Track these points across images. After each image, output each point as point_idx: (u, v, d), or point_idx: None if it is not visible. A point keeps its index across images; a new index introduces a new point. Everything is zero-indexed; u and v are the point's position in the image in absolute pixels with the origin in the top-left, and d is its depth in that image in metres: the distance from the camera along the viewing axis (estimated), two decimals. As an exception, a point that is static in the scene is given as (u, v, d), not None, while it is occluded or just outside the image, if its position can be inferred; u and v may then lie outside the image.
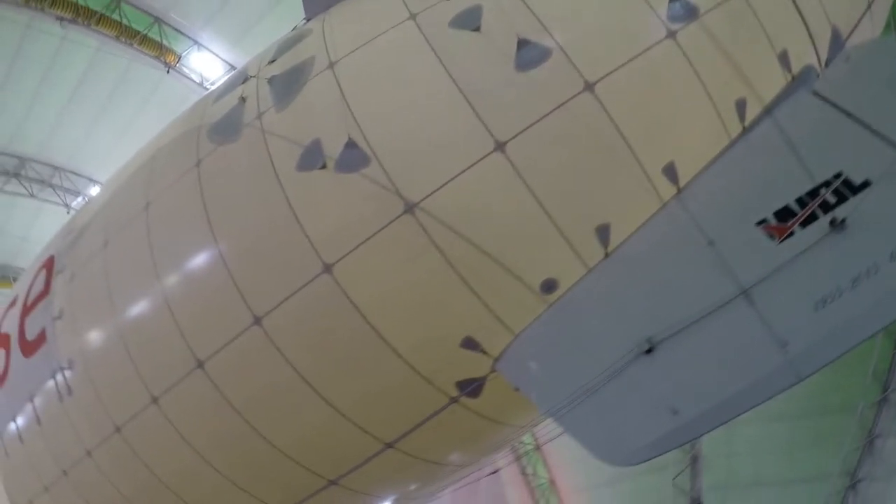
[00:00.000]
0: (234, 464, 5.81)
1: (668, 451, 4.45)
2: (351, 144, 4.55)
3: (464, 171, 4.39)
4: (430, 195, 4.40)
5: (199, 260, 5.30)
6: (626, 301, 4.69)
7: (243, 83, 5.69)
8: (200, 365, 5.21)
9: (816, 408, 14.61)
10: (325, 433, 5.28)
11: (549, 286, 4.58)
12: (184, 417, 5.69)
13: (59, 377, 6.71)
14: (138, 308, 5.82)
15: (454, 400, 4.95)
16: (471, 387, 4.86)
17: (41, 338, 7.09)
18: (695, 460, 16.83)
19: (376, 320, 4.64)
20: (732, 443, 15.57)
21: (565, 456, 19.34)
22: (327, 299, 4.67)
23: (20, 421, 7.81)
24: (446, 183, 4.40)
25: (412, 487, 6.32)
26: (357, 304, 4.62)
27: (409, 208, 4.42)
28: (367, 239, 4.51)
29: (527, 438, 16.07)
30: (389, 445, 5.24)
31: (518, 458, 19.53)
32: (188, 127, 6.14)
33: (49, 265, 7.48)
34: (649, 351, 4.38)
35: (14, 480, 9.11)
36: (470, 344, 4.67)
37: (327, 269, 4.59)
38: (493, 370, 4.74)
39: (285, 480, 5.76)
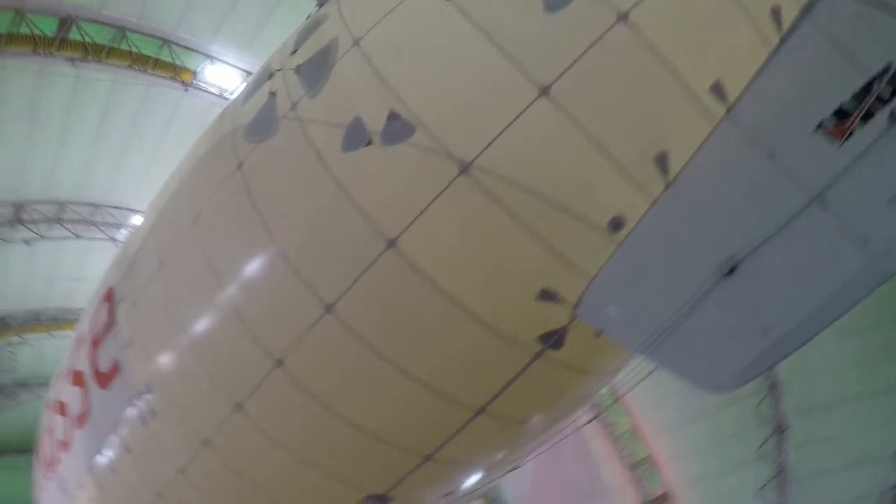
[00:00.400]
0: (328, 457, 5.82)
1: (766, 370, 4.34)
2: (393, 116, 4.47)
3: (512, 122, 4.28)
4: (482, 152, 4.31)
5: (259, 260, 5.28)
6: (697, 226, 4.58)
7: (269, 79, 5.64)
8: (279, 364, 5.20)
9: (887, 318, 14.30)
10: (414, 409, 5.24)
11: (616, 224, 4.47)
12: (270, 419, 5.71)
13: (139, 403, 6.79)
14: (206, 320, 5.84)
15: (538, 355, 4.86)
16: (553, 339, 4.77)
17: (115, 368, 7.19)
18: (773, 387, 16.57)
19: (449, 287, 4.57)
20: (809, 365, 15.27)
21: (644, 401, 19.22)
22: (396, 274, 4.61)
23: (109, 452, 7.95)
24: (496, 137, 4.29)
25: (505, 452, 6.28)
26: (427, 274, 4.55)
27: (464, 168, 4.33)
28: (427, 207, 4.43)
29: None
30: (480, 412, 5.18)
31: (597, 411, 19.44)
32: (221, 134, 6.12)
33: (109, 297, 7.57)
34: (730, 272, 4.26)
35: None
36: (546, 295, 4.58)
37: (391, 244, 4.53)
38: (573, 318, 4.64)
39: (381, 464, 5.77)
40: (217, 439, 6.10)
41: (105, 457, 8.13)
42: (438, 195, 4.40)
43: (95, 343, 7.80)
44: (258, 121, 5.42)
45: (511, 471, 7.19)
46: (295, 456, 5.84)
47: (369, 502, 6.12)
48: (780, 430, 16.82)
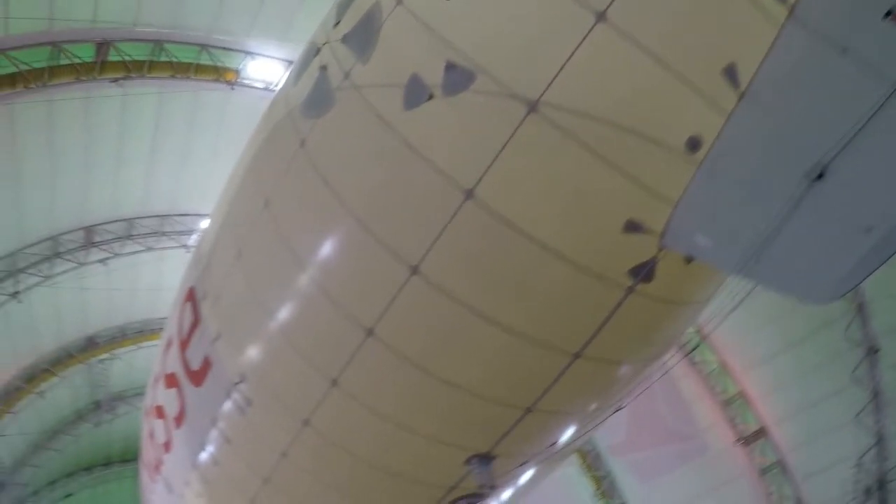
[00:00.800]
0: (429, 420, 5.86)
1: (874, 271, 4.15)
2: (450, 66, 4.39)
3: (573, 53, 4.15)
4: (547, 88, 4.19)
5: (337, 233, 5.29)
6: (777, 134, 4.35)
7: (317, 55, 5.63)
8: (370, 333, 5.23)
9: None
10: (511, 361, 5.20)
11: (693, 144, 4.31)
12: (367, 390, 5.76)
13: (234, 393, 6.94)
14: (291, 301, 5.91)
15: (630, 290, 4.74)
16: (643, 272, 4.65)
17: (206, 364, 7.37)
18: (861, 308, 16.00)
19: (533, 230, 4.49)
20: (893, 282, 14.68)
21: (731, 336, 18.88)
22: (478, 225, 4.55)
23: (210, 446, 8.19)
24: (560, 70, 4.17)
25: (602, 397, 6.18)
26: (509, 219, 4.47)
27: (532, 107, 4.23)
28: (500, 151, 4.34)
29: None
30: (577, 356, 5.10)
31: (685, 350, 19.12)
32: (276, 119, 6.15)
33: (191, 296, 7.75)
34: (819, 177, 4.07)
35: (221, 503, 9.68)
36: (632, 226, 4.46)
37: (469, 195, 4.47)
38: (661, 248, 4.53)
39: (482, 421, 5.77)
40: (316, 418, 6.20)
41: (207, 451, 8.38)
42: (510, 138, 4.31)
43: (184, 343, 8.01)
44: (314, 96, 5.41)
45: (607, 419, 7.13)
46: (396, 423, 5.88)
47: (474, 461, 6.14)
48: (871, 351, 16.21)
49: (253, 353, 6.54)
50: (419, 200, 4.73)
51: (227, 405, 7.20)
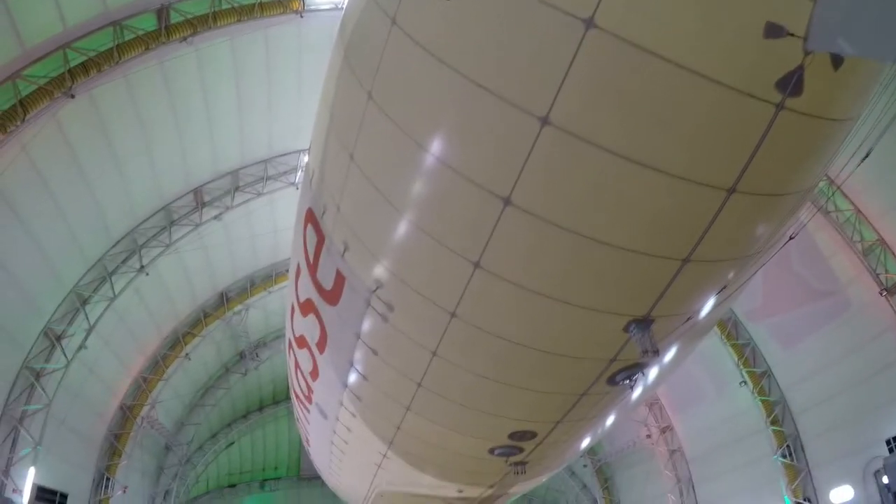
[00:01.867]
0: (583, 287, 5.52)
1: None
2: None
3: None
4: None
5: (456, 98, 4.82)
6: None
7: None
8: (508, 201, 4.90)
9: None
10: (664, 205, 4.73)
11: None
12: (513, 265, 5.46)
13: (374, 302, 6.84)
14: (417, 186, 5.59)
15: (780, 106, 4.13)
16: (791, 83, 4.02)
17: (339, 279, 7.31)
18: None
19: (667, 52, 3.95)
20: None
21: (864, 182, 17.59)
22: (607, 55, 4.07)
23: (358, 364, 8.23)
24: None
25: (759, 239, 5.61)
26: (641, 45, 3.96)
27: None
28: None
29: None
30: (731, 191, 4.58)
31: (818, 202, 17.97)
32: (356, 18, 5.85)
33: (310, 217, 7.65)
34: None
35: (376, 419, 9.79)
36: (773, 30, 3.84)
37: (589, 24, 3.98)
38: (807, 51, 3.90)
39: (639, 279, 5.37)
40: (463, 307, 5.99)
41: (354, 369, 8.44)
42: None
43: (313, 267, 7.99)
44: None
45: (758, 270, 6.59)
46: (549, 297, 5.59)
47: (632, 327, 5.83)
48: None
49: (386, 254, 6.36)
50: (540, 39, 4.26)
51: (368, 316, 7.15)
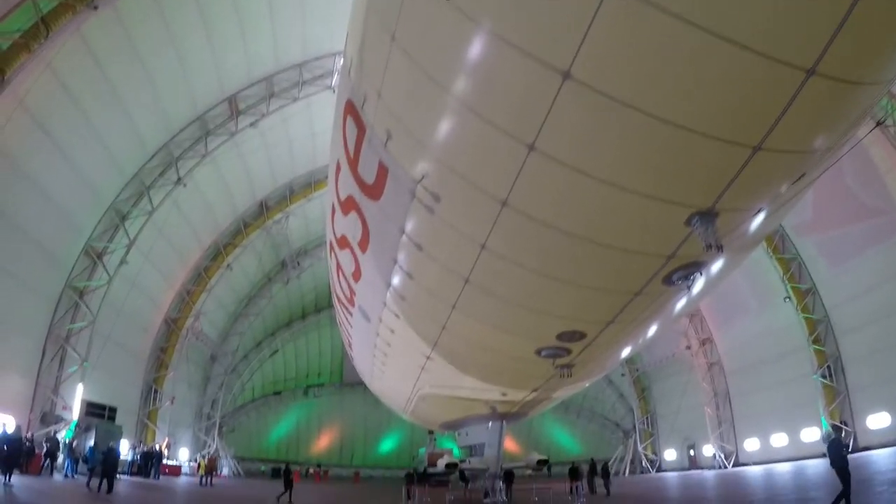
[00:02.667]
0: (645, 172, 5.07)
1: None
2: None
3: None
4: None
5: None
6: None
7: None
8: (566, 75, 4.43)
9: None
10: (736, 84, 4.25)
11: None
12: (570, 146, 5.01)
13: (419, 193, 6.49)
14: (469, 60, 5.09)
15: None
16: None
17: (382, 171, 6.93)
18: None
19: None
20: None
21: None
22: None
23: (402, 261, 7.94)
24: None
25: (832, 130, 5.09)
26: None
27: None
28: None
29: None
30: (811, 72, 4.08)
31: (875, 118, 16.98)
32: None
33: (350, 108, 7.23)
34: None
35: (420, 319, 9.58)
36: None
37: None
38: None
39: (706, 166, 4.93)
40: (514, 195, 5.60)
41: (398, 267, 8.15)
42: None
43: (354, 161, 7.60)
44: None
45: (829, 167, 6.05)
46: (607, 183, 5.16)
47: (695, 220, 5.40)
48: None
49: (432, 140, 5.92)
50: None
51: (413, 209, 6.79)
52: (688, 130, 4.59)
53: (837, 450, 8.87)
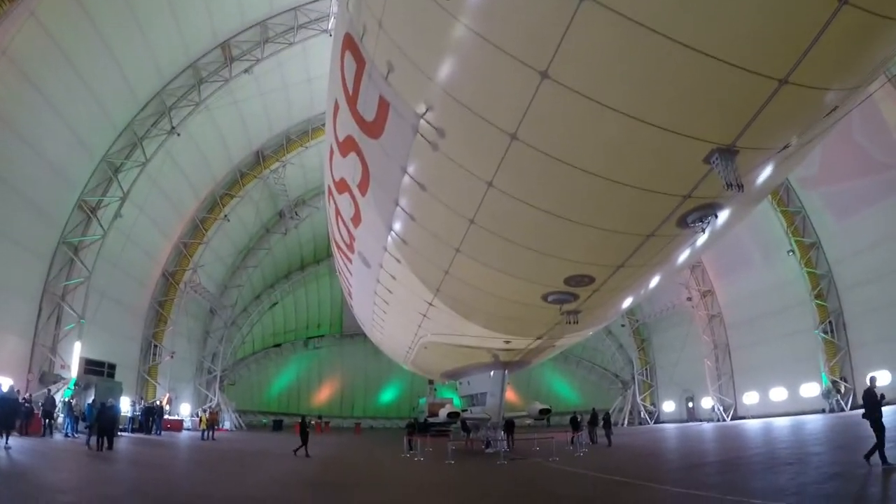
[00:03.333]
0: (666, 102, 4.77)
1: None
2: None
3: None
4: None
5: None
6: None
7: None
8: (584, -3, 4.09)
9: None
10: (767, 7, 3.95)
11: None
12: (588, 73, 4.66)
13: (422, 128, 6.14)
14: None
15: None
16: None
17: (383, 107, 6.56)
18: None
19: None
20: None
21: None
22: None
23: (404, 202, 7.58)
24: None
25: (862, 65, 4.74)
26: None
27: None
28: None
29: None
30: (843, 1, 3.81)
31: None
32: None
33: (348, 42, 6.82)
34: None
35: (422, 264, 9.20)
36: None
37: None
38: None
39: (730, 98, 4.65)
40: (525, 128, 5.25)
41: (400, 208, 7.85)
42: None
43: (353, 98, 7.22)
44: None
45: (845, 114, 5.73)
46: (626, 113, 4.83)
47: (715, 157, 5.09)
48: None
49: (437, 70, 5.55)
50: None
51: (415, 146, 6.45)
52: (713, 59, 4.29)
53: (871, 400, 8.67)
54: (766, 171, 5.99)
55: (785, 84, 4.41)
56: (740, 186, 5.05)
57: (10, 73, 16.69)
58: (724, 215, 6.63)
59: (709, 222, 6.32)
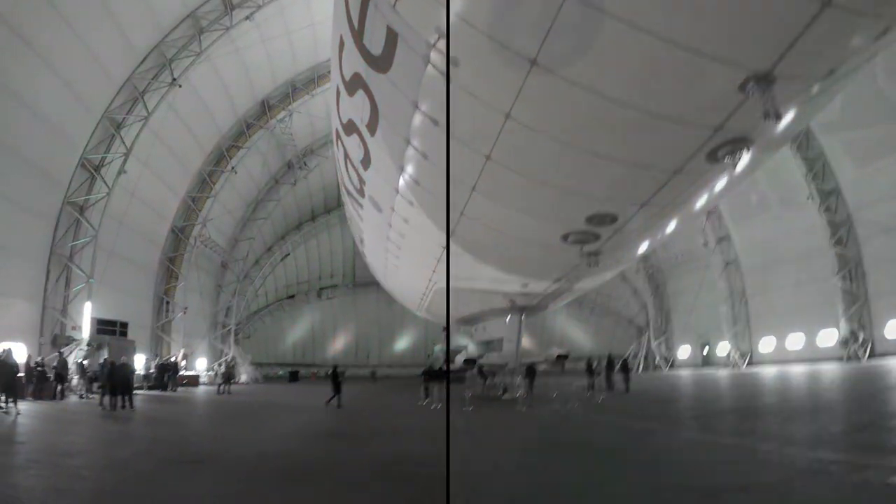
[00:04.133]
0: (700, 26, 4.42)
1: None
2: None
3: None
4: None
5: None
6: None
7: None
8: None
9: None
10: None
11: None
12: None
13: (433, 58, 5.72)
14: None
15: None
16: None
17: (391, 38, 6.11)
18: None
19: None
20: None
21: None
22: None
23: (416, 140, 7.17)
24: None
25: None
26: None
27: None
28: None
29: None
30: None
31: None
32: None
33: (355, -36, 6.40)
34: None
35: (436, 204, 8.49)
36: None
37: None
38: None
39: (768, 21, 4.33)
40: (549, 49, 4.83)
41: (412, 146, 7.46)
42: None
43: (358, 32, 6.77)
44: None
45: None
46: (655, 32, 4.45)
47: (751, 85, 4.73)
48: None
49: (454, -11, 5.11)
50: None
51: (427, 78, 6.03)
52: None
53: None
54: (798, 106, 5.66)
55: (828, 7, 4.09)
56: (778, 116, 4.74)
57: (0, 31, 16.18)
58: (751, 154, 6.25)
59: (738, 157, 5.95)
